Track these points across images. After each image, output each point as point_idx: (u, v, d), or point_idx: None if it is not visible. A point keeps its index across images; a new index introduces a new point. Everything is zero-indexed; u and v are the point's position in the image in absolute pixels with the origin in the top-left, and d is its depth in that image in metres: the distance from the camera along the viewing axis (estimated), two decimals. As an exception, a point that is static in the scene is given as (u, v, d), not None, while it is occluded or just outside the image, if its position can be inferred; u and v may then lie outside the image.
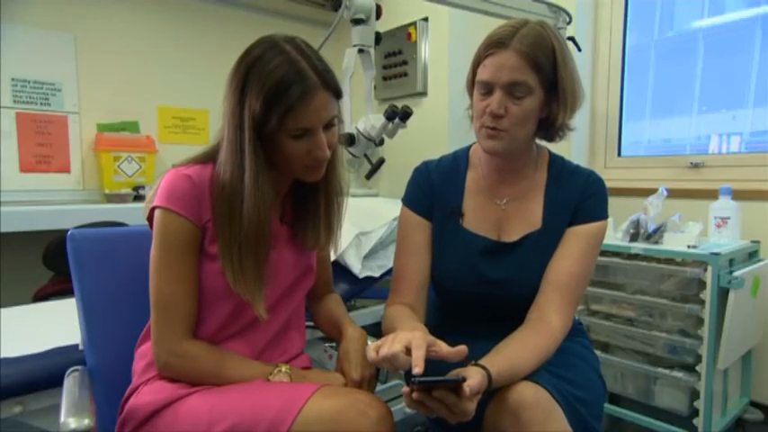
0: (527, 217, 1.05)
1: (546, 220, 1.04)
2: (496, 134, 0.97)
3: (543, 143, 1.08)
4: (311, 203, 1.01)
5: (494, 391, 0.85)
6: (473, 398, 0.77)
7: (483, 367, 0.82)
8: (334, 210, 1.02)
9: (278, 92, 0.83)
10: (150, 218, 0.92)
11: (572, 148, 2.32)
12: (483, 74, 0.96)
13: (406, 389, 0.77)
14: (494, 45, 0.94)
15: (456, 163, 1.12)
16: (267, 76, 0.84)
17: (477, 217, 1.07)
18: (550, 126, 0.99)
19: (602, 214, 1.03)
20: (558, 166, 1.08)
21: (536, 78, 0.93)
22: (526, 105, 0.94)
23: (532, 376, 0.87)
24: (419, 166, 1.14)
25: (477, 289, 1.04)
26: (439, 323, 1.11)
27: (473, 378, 0.77)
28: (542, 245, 1.03)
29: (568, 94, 0.96)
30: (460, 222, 1.07)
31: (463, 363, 0.84)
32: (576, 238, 1.01)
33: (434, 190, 1.09)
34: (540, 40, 0.93)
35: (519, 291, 1.01)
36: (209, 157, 0.93)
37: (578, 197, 1.03)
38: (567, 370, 0.95)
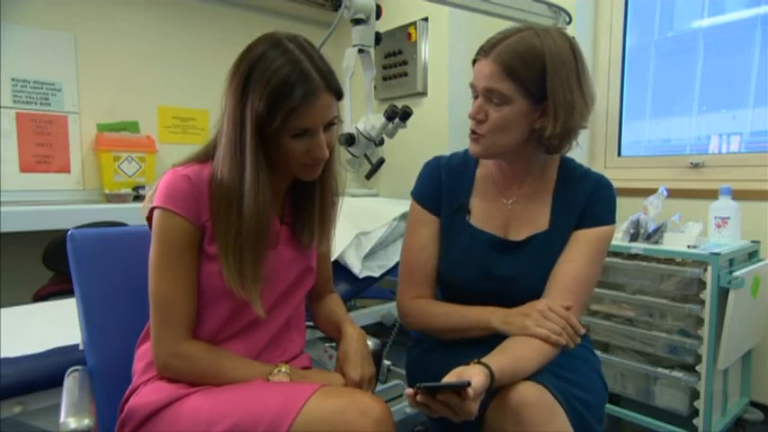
0: (534, 218, 1.05)
1: (553, 222, 1.04)
2: (476, 138, 1.00)
3: None
4: (307, 201, 1.01)
5: (495, 391, 0.85)
6: (476, 398, 0.77)
7: (486, 365, 0.82)
8: (328, 207, 1.02)
9: (281, 92, 0.83)
10: (149, 218, 0.92)
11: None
12: (472, 78, 1.00)
13: (409, 391, 0.77)
14: (479, 52, 0.98)
15: (466, 160, 1.12)
16: (271, 76, 0.84)
17: (484, 214, 1.08)
18: (541, 137, 0.97)
19: (609, 219, 1.03)
20: (568, 169, 1.08)
21: (513, 88, 0.93)
22: (505, 113, 0.95)
23: (534, 376, 0.87)
24: (430, 160, 1.15)
25: (481, 285, 1.04)
26: None
27: (476, 378, 0.78)
28: (548, 246, 1.03)
29: (559, 106, 0.93)
30: (467, 219, 1.08)
31: (466, 361, 0.84)
32: (584, 242, 1.02)
33: (443, 185, 1.10)
34: (525, 51, 0.93)
35: (523, 289, 1.01)
36: (207, 156, 0.93)
37: (586, 201, 1.03)
38: (569, 371, 0.95)
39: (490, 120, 0.96)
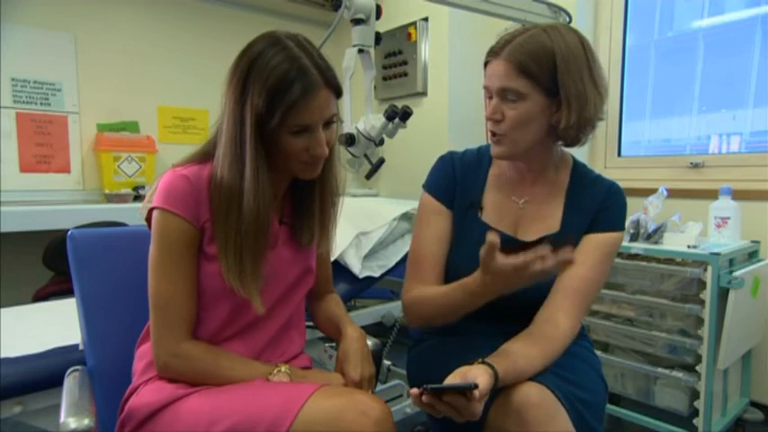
0: (545, 219, 1.06)
1: (564, 225, 1.05)
2: (497, 139, 1.01)
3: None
4: (307, 201, 1.01)
5: (498, 391, 0.85)
6: (482, 399, 0.77)
7: (490, 366, 0.82)
8: (328, 207, 1.02)
9: (280, 88, 0.84)
10: (149, 219, 0.92)
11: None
12: (484, 80, 1.01)
13: (414, 391, 0.77)
14: (490, 53, 1.00)
15: (480, 157, 1.13)
16: (270, 73, 0.84)
17: (495, 212, 1.08)
18: (557, 130, 0.99)
19: (619, 225, 1.05)
20: (580, 173, 1.09)
21: (528, 84, 0.95)
22: (522, 110, 0.96)
23: (537, 377, 0.87)
24: (444, 154, 1.15)
25: None
26: None
27: (482, 379, 0.78)
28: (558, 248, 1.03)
29: (572, 98, 0.95)
30: (479, 215, 1.08)
31: (470, 360, 0.84)
32: (593, 246, 1.02)
33: (457, 179, 1.10)
34: (535, 48, 0.94)
35: (530, 290, 1.01)
36: (206, 155, 0.93)
37: (598, 206, 1.04)
38: (570, 371, 0.95)
39: (508, 118, 0.97)
